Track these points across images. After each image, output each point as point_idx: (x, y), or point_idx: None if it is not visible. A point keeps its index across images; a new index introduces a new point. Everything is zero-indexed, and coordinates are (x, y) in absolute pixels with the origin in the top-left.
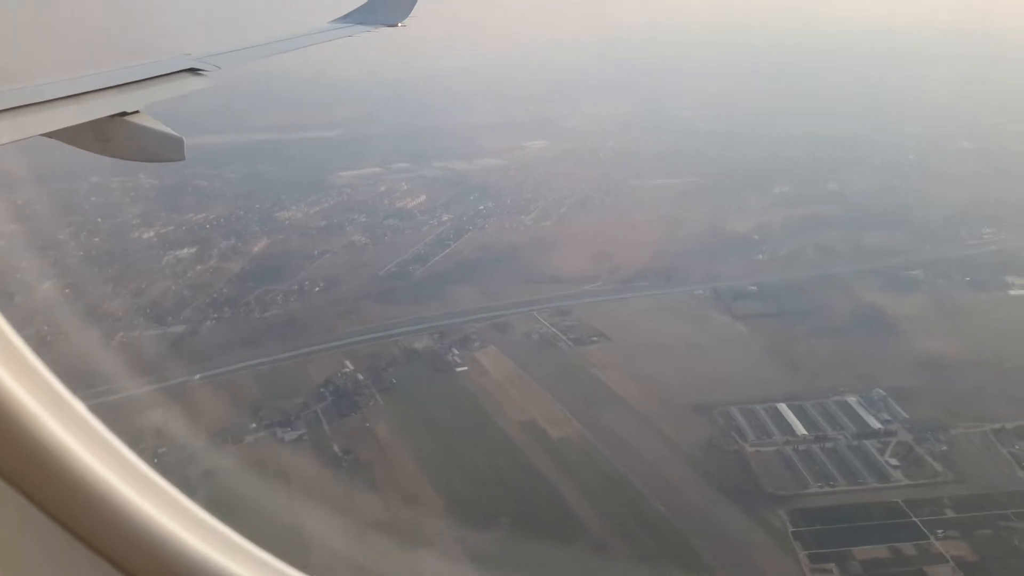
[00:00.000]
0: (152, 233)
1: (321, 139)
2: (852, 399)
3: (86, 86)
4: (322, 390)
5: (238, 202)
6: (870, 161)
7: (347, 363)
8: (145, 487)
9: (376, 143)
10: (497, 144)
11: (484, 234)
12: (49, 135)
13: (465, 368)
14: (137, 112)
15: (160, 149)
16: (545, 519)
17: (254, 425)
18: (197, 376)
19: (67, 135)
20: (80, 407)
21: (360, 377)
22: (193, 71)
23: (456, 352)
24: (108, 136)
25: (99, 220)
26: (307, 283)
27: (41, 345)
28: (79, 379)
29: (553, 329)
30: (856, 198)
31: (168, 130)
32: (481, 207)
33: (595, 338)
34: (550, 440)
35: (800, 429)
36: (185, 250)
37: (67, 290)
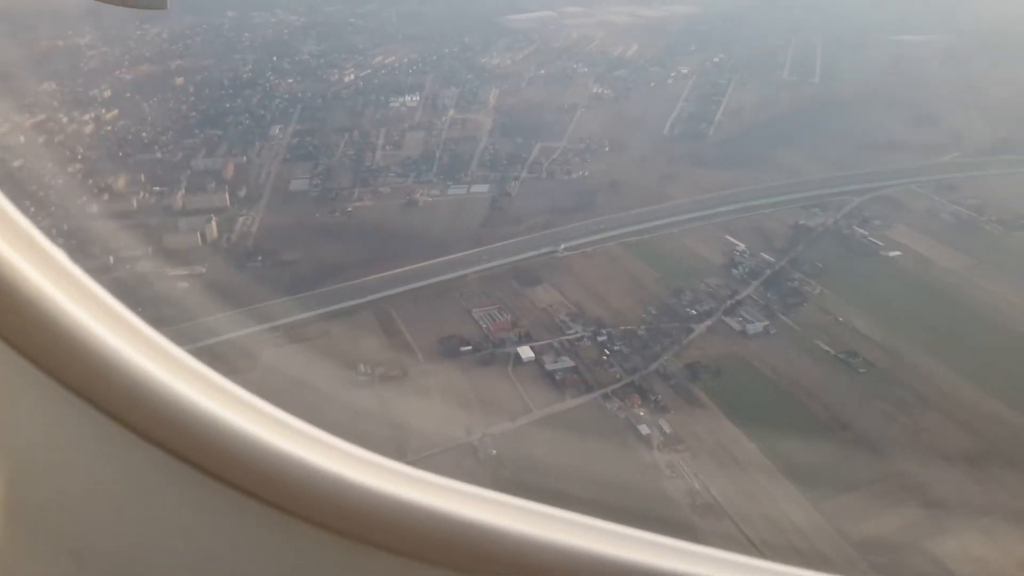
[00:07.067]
0: (352, 75)
1: None
2: None
3: None
4: (733, 271)
5: (417, 44)
6: None
7: (730, 239)
8: (133, 335)
9: None
10: None
11: (750, 90)
12: None
13: (898, 253)
14: None
15: None
16: None
17: (693, 311)
18: (561, 246)
19: None
20: (59, 255)
21: (768, 257)
22: None
23: (861, 231)
24: None
25: (274, 58)
26: (588, 141)
27: (347, 205)
28: (423, 248)
29: (958, 207)
30: None
31: None
32: (716, 59)
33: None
34: None
35: None
36: (407, 97)
37: (308, 137)
